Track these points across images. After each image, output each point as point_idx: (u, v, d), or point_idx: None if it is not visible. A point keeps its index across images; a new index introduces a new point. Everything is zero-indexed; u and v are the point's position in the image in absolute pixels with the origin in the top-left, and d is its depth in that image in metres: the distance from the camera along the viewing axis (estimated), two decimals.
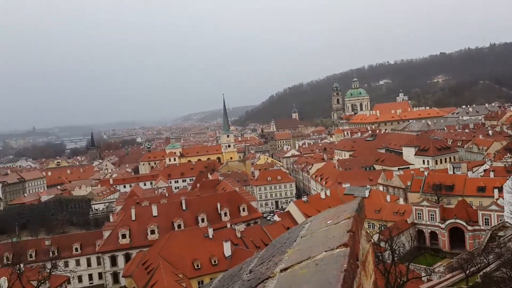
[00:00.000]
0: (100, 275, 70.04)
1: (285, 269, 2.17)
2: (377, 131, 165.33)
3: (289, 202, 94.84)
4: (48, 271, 52.58)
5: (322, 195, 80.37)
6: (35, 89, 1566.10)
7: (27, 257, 63.49)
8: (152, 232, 68.67)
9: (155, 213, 71.48)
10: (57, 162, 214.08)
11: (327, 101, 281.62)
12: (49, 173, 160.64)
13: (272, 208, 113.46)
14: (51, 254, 65.22)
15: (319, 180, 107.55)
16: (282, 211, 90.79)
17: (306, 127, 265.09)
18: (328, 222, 2.60)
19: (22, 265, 51.28)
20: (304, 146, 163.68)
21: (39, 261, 60.06)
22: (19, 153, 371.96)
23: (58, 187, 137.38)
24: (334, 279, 1.77)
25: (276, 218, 76.69)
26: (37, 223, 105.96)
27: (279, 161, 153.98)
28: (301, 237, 2.65)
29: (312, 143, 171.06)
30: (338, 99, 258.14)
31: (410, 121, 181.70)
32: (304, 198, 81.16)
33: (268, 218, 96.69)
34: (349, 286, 1.77)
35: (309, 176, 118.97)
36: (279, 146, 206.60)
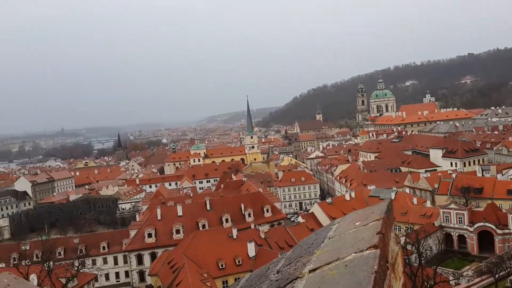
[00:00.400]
0: (127, 273, 71.10)
1: (314, 269, 2.18)
2: (403, 132, 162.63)
3: (313, 203, 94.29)
4: (76, 268, 53.70)
5: (347, 197, 79.63)
6: (64, 91, 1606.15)
7: (56, 255, 64.85)
8: (177, 231, 69.32)
9: (180, 213, 72.17)
10: (85, 162, 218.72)
11: (352, 103, 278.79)
12: (77, 173, 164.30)
13: (296, 209, 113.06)
14: (79, 252, 66.51)
15: (343, 182, 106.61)
16: (306, 212, 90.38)
17: (330, 129, 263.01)
18: (357, 223, 2.60)
19: (51, 263, 52.46)
20: (328, 147, 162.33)
21: (68, 259, 61.50)
22: (48, 153, 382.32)
23: (86, 186, 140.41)
24: (364, 281, 1.75)
25: (300, 219, 76.33)
26: (66, 221, 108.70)
27: (303, 162, 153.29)
28: (329, 238, 2.65)
29: (336, 145, 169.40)
30: (363, 100, 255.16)
31: (437, 122, 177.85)
32: (329, 200, 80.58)
33: (292, 219, 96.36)
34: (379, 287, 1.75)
35: (333, 178, 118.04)
36: (303, 147, 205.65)
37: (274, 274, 2.67)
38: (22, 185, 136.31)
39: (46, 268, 49.25)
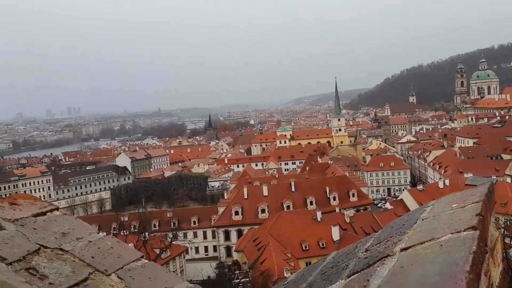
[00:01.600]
0: (215, 248, 74.34)
1: (406, 248, 2.13)
2: (507, 117, 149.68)
3: (403, 190, 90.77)
4: (170, 240, 57.07)
5: (440, 185, 75.54)
6: (162, 73, 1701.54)
7: (151, 226, 69.45)
8: (263, 211, 70.80)
9: (265, 193, 73.51)
10: (179, 141, 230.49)
11: (450, 84, 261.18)
12: (172, 151, 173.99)
13: (384, 195, 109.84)
14: (172, 225, 70.69)
15: (437, 169, 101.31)
16: (394, 199, 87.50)
17: (424, 112, 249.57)
18: (453, 205, 2.48)
19: (147, 234, 56.10)
20: (421, 131, 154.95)
21: (162, 231, 65.50)
22: (146, 132, 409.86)
23: (180, 164, 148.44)
24: (462, 261, 1.66)
25: (388, 205, 74.14)
26: (161, 196, 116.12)
27: (393, 146, 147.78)
28: (423, 220, 2.56)
29: (430, 129, 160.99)
30: (462, 82, 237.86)
31: None
32: (420, 187, 77.18)
33: (379, 205, 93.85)
34: (477, 269, 1.66)
35: (426, 164, 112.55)
36: (393, 131, 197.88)
37: (362, 252, 2.65)
38: (123, 161, 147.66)
39: (142, 239, 52.65)
